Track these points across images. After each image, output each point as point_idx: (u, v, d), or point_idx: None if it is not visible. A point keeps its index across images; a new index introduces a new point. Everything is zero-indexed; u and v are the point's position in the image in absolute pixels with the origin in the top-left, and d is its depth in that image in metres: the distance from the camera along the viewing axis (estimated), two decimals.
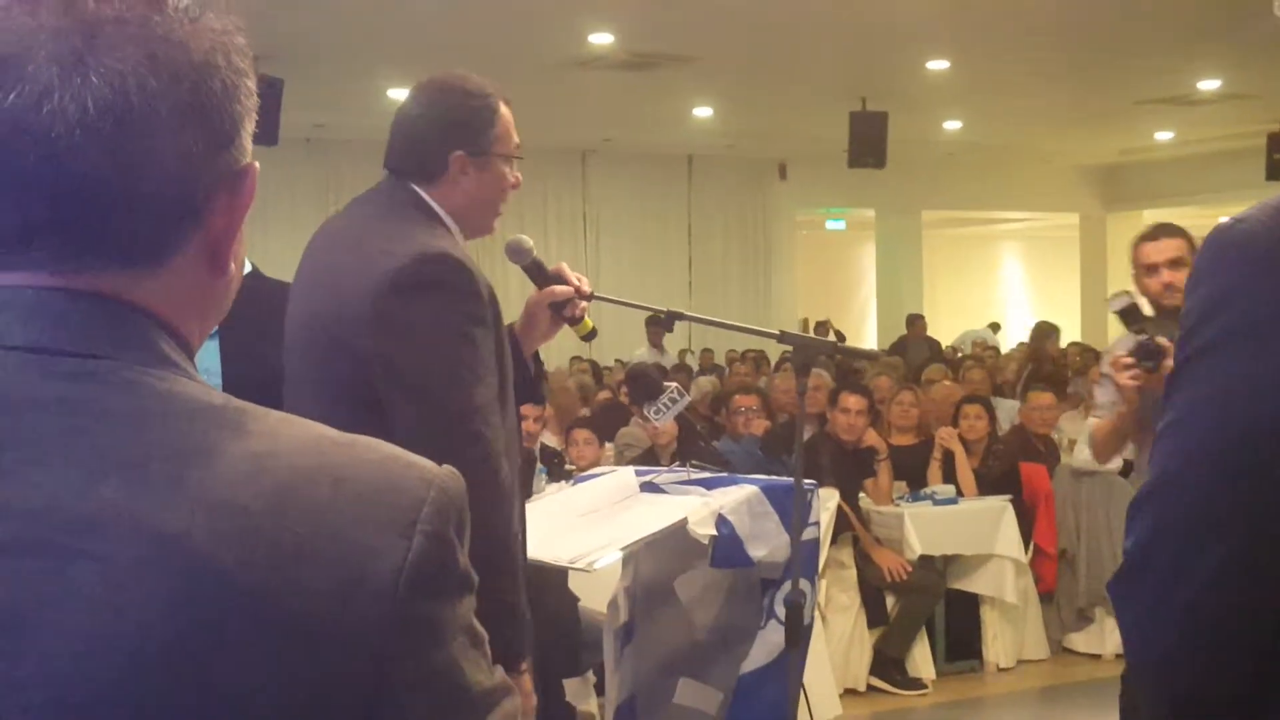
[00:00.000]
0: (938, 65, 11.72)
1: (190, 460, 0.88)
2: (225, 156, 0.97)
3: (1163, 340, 4.13)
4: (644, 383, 3.29)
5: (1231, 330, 1.26)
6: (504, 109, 2.67)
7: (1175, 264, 4.31)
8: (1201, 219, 20.53)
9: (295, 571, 0.87)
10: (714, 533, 3.21)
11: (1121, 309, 4.22)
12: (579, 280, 2.83)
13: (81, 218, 0.92)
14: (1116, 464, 7.14)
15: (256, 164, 1.00)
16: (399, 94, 12.65)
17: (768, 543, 3.25)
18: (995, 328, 19.93)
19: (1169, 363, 4.18)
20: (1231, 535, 1.25)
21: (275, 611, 0.86)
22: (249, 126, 1.00)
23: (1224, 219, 1.32)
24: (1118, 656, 6.24)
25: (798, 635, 3.05)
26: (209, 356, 3.01)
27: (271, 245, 14.06)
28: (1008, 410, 8.74)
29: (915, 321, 16.46)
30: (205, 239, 0.97)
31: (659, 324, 12.41)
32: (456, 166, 2.58)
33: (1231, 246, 1.28)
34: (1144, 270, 4.39)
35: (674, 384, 3.24)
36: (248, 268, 3.09)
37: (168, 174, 0.93)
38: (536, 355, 2.94)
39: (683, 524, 3.17)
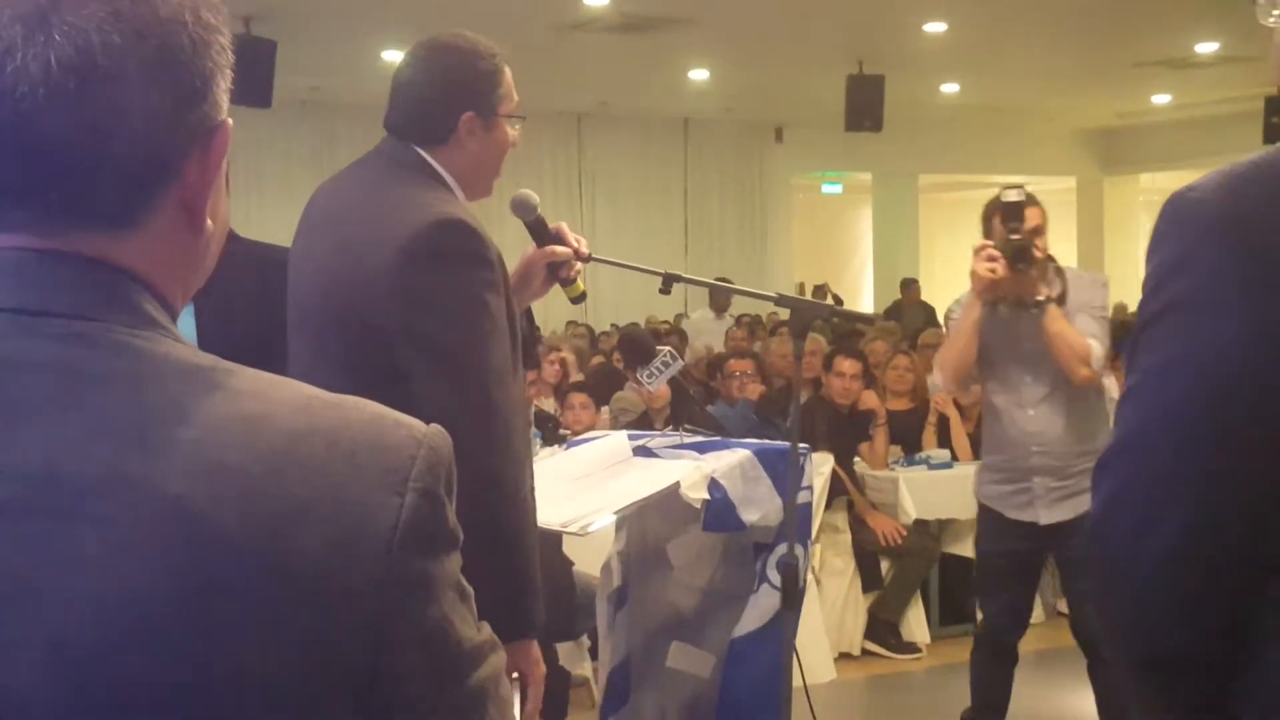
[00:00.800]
0: (935, 27, 11.66)
1: (185, 422, 0.89)
2: (196, 113, 0.96)
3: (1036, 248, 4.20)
4: (637, 347, 3.28)
5: (1186, 295, 1.29)
6: (506, 69, 2.65)
7: (1037, 232, 4.40)
8: None
9: (294, 532, 0.88)
10: (706, 496, 3.21)
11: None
12: (578, 241, 2.82)
13: (53, 178, 0.91)
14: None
15: (229, 120, 0.99)
16: (394, 56, 12.60)
17: (760, 507, 3.24)
18: None
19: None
20: (1192, 497, 1.27)
21: (275, 571, 0.87)
22: (222, 83, 0.99)
23: (1178, 189, 1.35)
24: None
25: (793, 599, 3.05)
26: (184, 324, 2.98)
27: (267, 208, 14.04)
28: None
29: (910, 286, 16.45)
30: (181, 197, 0.97)
31: (720, 293, 12.35)
32: (465, 128, 2.55)
33: (1184, 214, 1.31)
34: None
35: (667, 348, 3.23)
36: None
37: (136, 133, 0.92)
38: (531, 317, 2.92)
39: (675, 488, 3.17)
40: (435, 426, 0.97)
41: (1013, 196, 4.28)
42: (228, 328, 2.80)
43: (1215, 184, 1.31)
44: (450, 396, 2.32)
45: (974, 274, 4.30)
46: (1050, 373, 4.37)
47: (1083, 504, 4.41)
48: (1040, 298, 4.30)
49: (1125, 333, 10.61)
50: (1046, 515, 4.46)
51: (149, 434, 0.88)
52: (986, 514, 4.66)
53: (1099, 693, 4.57)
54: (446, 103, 2.55)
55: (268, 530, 0.88)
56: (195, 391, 0.91)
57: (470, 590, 0.99)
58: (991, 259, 4.23)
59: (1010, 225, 4.25)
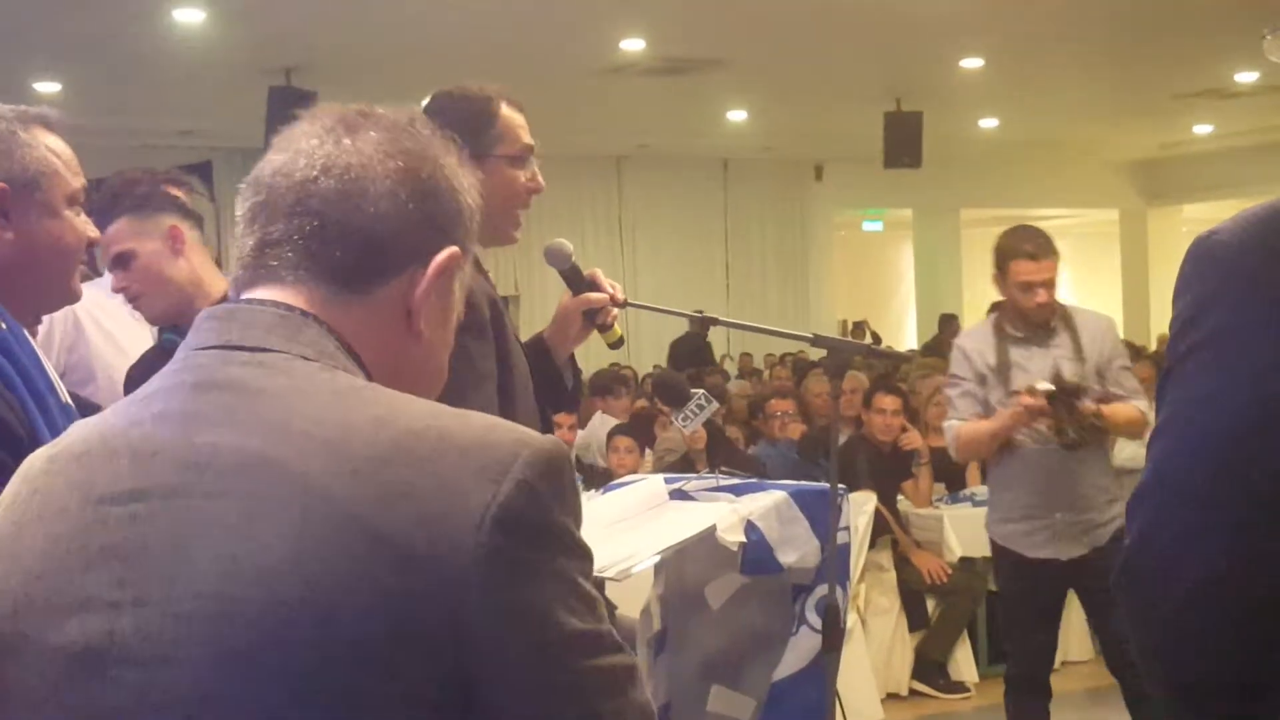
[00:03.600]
0: (972, 63, 11.66)
1: (324, 423, 1.08)
2: (433, 234, 1.21)
3: (1082, 384, 4.19)
4: (671, 390, 3.28)
5: (1213, 335, 1.32)
6: (506, 110, 2.66)
7: (1049, 285, 4.45)
8: None
9: (397, 506, 1.04)
10: (743, 539, 3.20)
11: None
12: (613, 287, 2.83)
13: (307, 236, 1.17)
14: None
15: (458, 250, 1.22)
16: None
17: (797, 548, 3.23)
18: None
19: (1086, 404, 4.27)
20: (1224, 530, 1.30)
21: (376, 539, 1.03)
22: (460, 234, 1.23)
23: (1200, 233, 1.39)
24: None
25: (834, 640, 3.04)
26: None
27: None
28: None
29: (949, 322, 16.34)
30: (404, 295, 1.20)
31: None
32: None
33: (1207, 257, 1.36)
34: (1019, 287, 4.44)
35: (701, 391, 3.23)
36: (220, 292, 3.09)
37: (380, 215, 1.18)
38: (574, 362, 2.94)
39: (712, 531, 3.16)
40: (553, 439, 1.11)
41: (1049, 387, 4.29)
42: None
43: (1237, 226, 1.36)
44: None
45: (1013, 415, 4.30)
46: None
47: (1100, 537, 4.40)
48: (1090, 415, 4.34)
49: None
50: (1067, 551, 4.43)
51: (292, 428, 1.08)
52: (1004, 554, 4.61)
53: None
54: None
55: (375, 503, 1.04)
56: (340, 402, 1.11)
57: (598, 598, 1.10)
58: (1041, 411, 4.27)
59: (1063, 410, 4.28)
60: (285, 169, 1.20)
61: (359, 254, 1.18)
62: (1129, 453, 7.30)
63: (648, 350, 14.56)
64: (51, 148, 2.01)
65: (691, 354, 13.11)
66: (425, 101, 2.69)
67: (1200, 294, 1.35)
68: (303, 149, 1.21)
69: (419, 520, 1.04)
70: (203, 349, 1.16)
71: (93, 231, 2.10)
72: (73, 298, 2.11)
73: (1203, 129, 16.49)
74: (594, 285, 2.82)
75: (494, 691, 1.05)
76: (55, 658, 1.08)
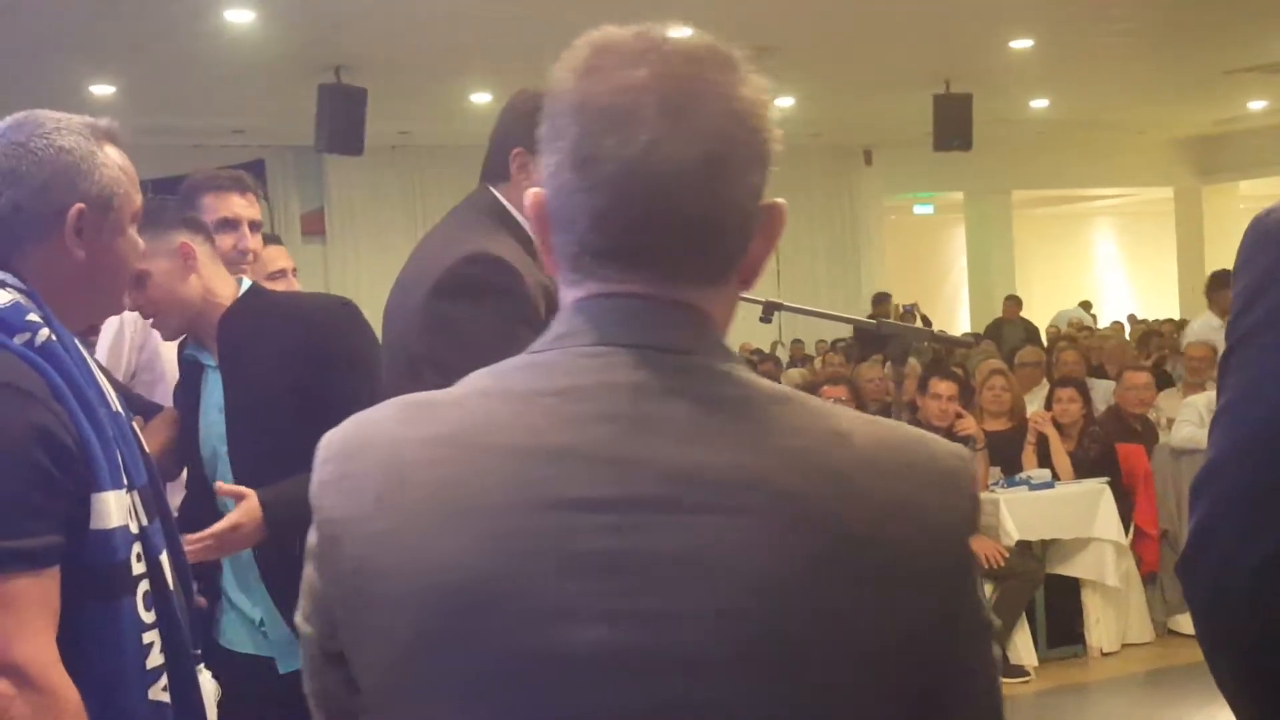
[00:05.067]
0: (1021, 44, 11.58)
1: (792, 434, 1.11)
2: (763, 193, 1.17)
3: None
4: None
5: (1273, 314, 1.31)
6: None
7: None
8: None
9: (890, 523, 1.09)
10: None
11: None
12: None
13: (680, 245, 1.14)
14: None
15: (782, 200, 1.20)
16: (481, 99, 12.78)
17: None
18: (1086, 306, 19.65)
19: None
20: None
21: (881, 551, 1.08)
22: (768, 178, 1.19)
23: (1258, 213, 1.38)
24: None
25: None
26: (220, 390, 2.99)
27: (362, 253, 14.28)
28: (1104, 391, 8.63)
29: (1010, 303, 16.24)
30: (747, 262, 1.18)
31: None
32: (516, 164, 2.61)
33: (1266, 235, 1.34)
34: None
35: (807, 398, 3.24)
36: (246, 285, 3.13)
37: (742, 209, 1.15)
38: None
39: None
40: (961, 447, 1.18)
41: None
42: (240, 385, 2.89)
43: None
44: None
45: None
46: None
47: None
48: None
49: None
50: None
51: (764, 442, 1.10)
52: None
53: None
54: (502, 141, 2.64)
55: (870, 522, 1.08)
56: (789, 412, 1.12)
57: None
58: None
59: None
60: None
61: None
62: (1186, 433, 7.25)
63: None
64: (122, 166, 2.04)
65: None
66: (511, 98, 2.72)
67: (1260, 274, 1.34)
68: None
69: (917, 533, 1.09)
70: (620, 346, 1.13)
71: (144, 246, 2.15)
72: (117, 311, 2.15)
73: (1257, 104, 16.29)
74: None
75: (955, 697, 1.12)
76: (522, 663, 1.07)
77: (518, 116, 2.63)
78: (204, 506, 2.94)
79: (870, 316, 16.17)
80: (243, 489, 2.77)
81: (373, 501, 1.13)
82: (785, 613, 1.05)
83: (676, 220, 1.12)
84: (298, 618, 1.21)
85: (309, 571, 1.18)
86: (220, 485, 2.83)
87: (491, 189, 2.64)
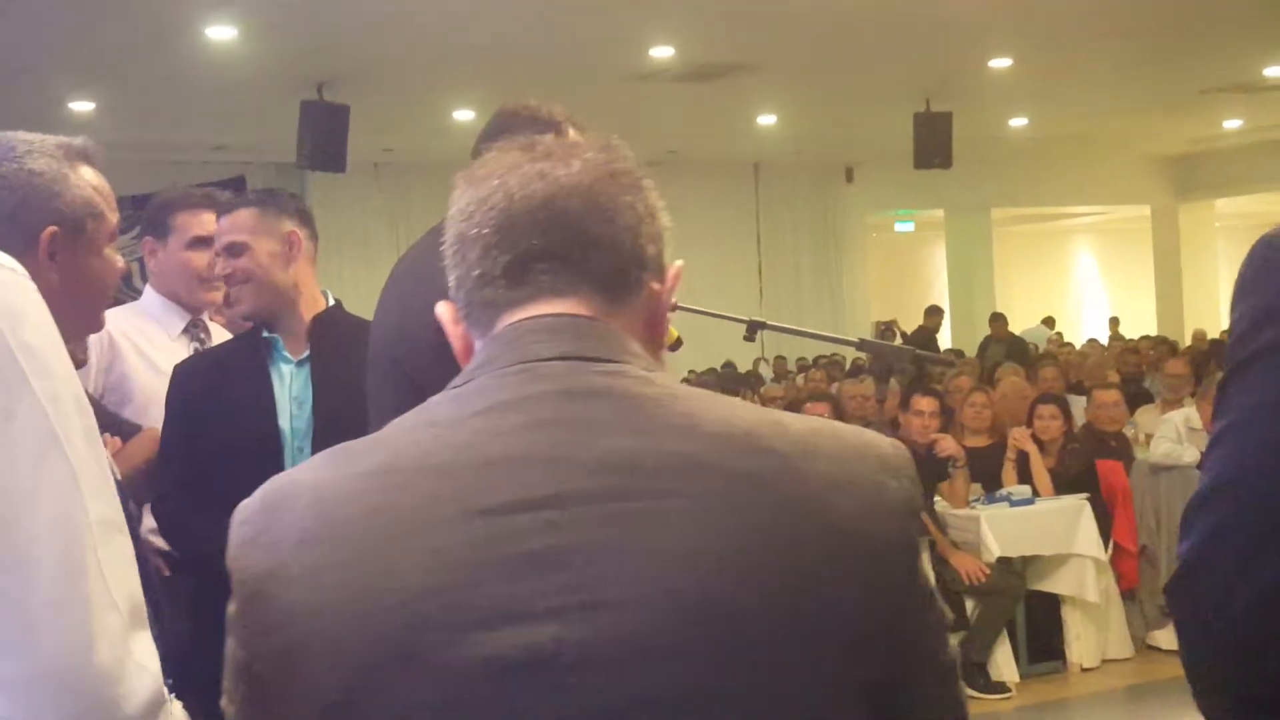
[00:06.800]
0: (1000, 63, 11.66)
1: (728, 421, 1.14)
2: (654, 248, 1.26)
3: None
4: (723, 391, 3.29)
5: (1278, 339, 1.28)
6: (573, 133, 2.70)
7: None
8: (1274, 206, 20.22)
9: (830, 501, 1.11)
10: None
11: None
12: None
13: (571, 251, 1.20)
14: (1194, 457, 7.08)
15: (681, 263, 1.30)
16: (464, 115, 12.77)
17: None
18: (1049, 322, 19.73)
19: None
20: None
21: (827, 527, 1.10)
22: (664, 251, 1.28)
23: (1266, 232, 1.35)
24: None
25: None
26: (299, 385, 3.07)
27: (345, 270, 14.24)
28: (1082, 407, 8.68)
29: (996, 320, 16.30)
30: (644, 305, 1.24)
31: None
32: None
33: (1273, 259, 1.32)
34: None
35: (736, 399, 3.26)
36: (330, 301, 3.15)
37: (626, 224, 1.22)
38: None
39: None
40: (896, 441, 1.20)
41: None
42: (338, 389, 2.91)
43: None
44: None
45: None
46: None
47: None
48: None
49: (1203, 359, 10.49)
50: None
51: (696, 430, 1.12)
52: None
53: None
54: None
55: (816, 495, 1.10)
56: (719, 403, 1.17)
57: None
58: None
59: None
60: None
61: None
62: (1164, 449, 7.29)
63: (689, 356, 14.57)
64: (96, 187, 2.01)
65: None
66: (491, 118, 2.71)
67: (1265, 296, 1.31)
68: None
69: (858, 509, 1.11)
70: (540, 360, 1.16)
71: (122, 264, 2.13)
72: (97, 329, 2.12)
73: (1233, 123, 16.42)
74: None
75: (910, 676, 1.13)
76: (475, 672, 1.05)
77: (488, 135, 2.62)
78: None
79: (921, 327, 16.28)
80: None
81: (295, 545, 1.12)
82: (733, 591, 1.06)
83: (566, 232, 1.20)
84: (223, 702, 1.18)
85: (230, 646, 1.16)
86: None
87: None
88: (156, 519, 3.10)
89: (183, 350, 3.49)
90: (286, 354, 3.08)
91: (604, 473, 1.09)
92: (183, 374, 3.17)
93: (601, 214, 1.21)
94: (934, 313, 16.81)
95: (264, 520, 1.15)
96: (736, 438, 1.12)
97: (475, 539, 1.08)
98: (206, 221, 3.46)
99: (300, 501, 1.14)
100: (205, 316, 3.61)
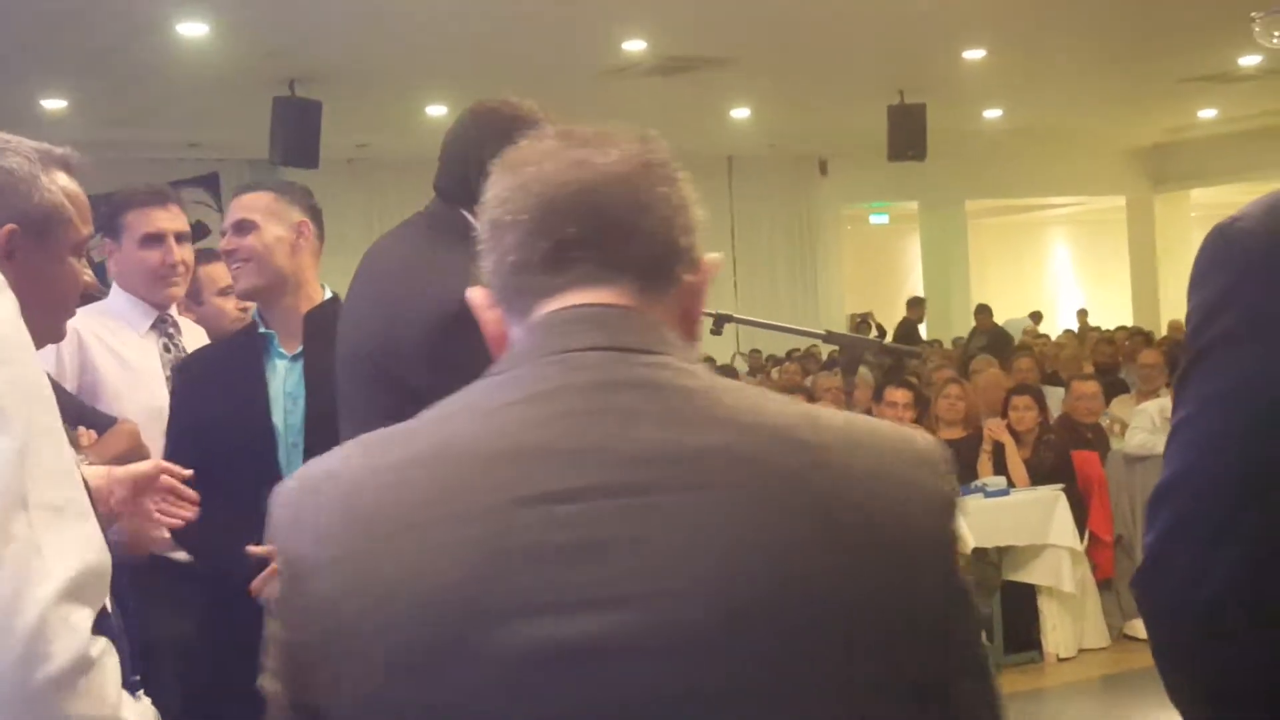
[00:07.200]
0: (974, 54, 11.67)
1: (763, 413, 1.13)
2: (688, 240, 1.24)
3: None
4: None
5: (1235, 328, 1.28)
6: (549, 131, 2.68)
7: None
8: (1249, 196, 20.29)
9: (871, 494, 1.11)
10: None
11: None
12: None
13: (610, 240, 1.19)
14: None
15: (719, 255, 1.29)
16: (438, 111, 12.72)
17: None
18: (1037, 317, 19.75)
19: None
20: (1246, 530, 1.26)
21: (863, 523, 1.09)
22: (698, 242, 1.26)
23: (1222, 220, 1.33)
24: None
25: None
26: (294, 381, 3.07)
27: (320, 265, 14.19)
28: (1058, 398, 8.70)
29: (981, 312, 16.32)
30: (679, 297, 1.23)
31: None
32: None
33: (1230, 245, 1.31)
34: None
35: (773, 393, 3.25)
36: (328, 294, 3.15)
37: (662, 215, 1.21)
38: None
39: None
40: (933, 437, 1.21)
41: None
42: (328, 383, 2.90)
43: (1259, 211, 1.31)
44: None
45: None
46: None
47: None
48: None
49: (1177, 350, 10.53)
50: None
51: (735, 423, 1.12)
52: None
53: None
54: (479, 161, 2.59)
55: (854, 490, 1.10)
56: (758, 397, 1.16)
57: None
58: None
59: None
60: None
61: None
62: (1139, 440, 7.32)
63: None
64: (69, 193, 1.99)
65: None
66: (468, 115, 2.68)
67: (1223, 284, 1.31)
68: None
69: (897, 505, 1.11)
70: (581, 350, 1.16)
71: (89, 279, 2.10)
72: (57, 338, 2.10)
73: (1207, 114, 16.48)
74: None
75: (947, 669, 1.13)
76: (512, 662, 1.05)
77: (495, 136, 2.60)
78: (271, 489, 2.95)
79: (905, 319, 16.17)
80: None
81: (341, 531, 1.12)
82: (771, 585, 1.06)
83: (604, 221, 1.19)
84: (264, 679, 1.18)
85: (272, 626, 1.16)
86: None
87: (464, 212, 2.56)
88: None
89: (152, 346, 3.49)
90: (281, 350, 3.10)
91: (643, 464, 1.09)
92: (183, 371, 3.21)
93: (639, 204, 1.20)
94: (916, 304, 16.85)
95: (303, 505, 1.16)
96: (775, 431, 1.12)
97: (513, 529, 1.08)
98: (156, 218, 3.46)
99: (338, 488, 1.14)
100: (173, 311, 3.60)
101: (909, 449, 1.15)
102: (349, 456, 1.18)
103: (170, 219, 3.50)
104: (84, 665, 1.47)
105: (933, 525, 1.13)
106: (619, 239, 1.19)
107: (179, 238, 3.52)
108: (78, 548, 1.50)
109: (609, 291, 1.19)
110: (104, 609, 1.96)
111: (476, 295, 1.28)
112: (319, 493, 1.16)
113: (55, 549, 1.46)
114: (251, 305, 4.14)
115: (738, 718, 1.05)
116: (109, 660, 1.54)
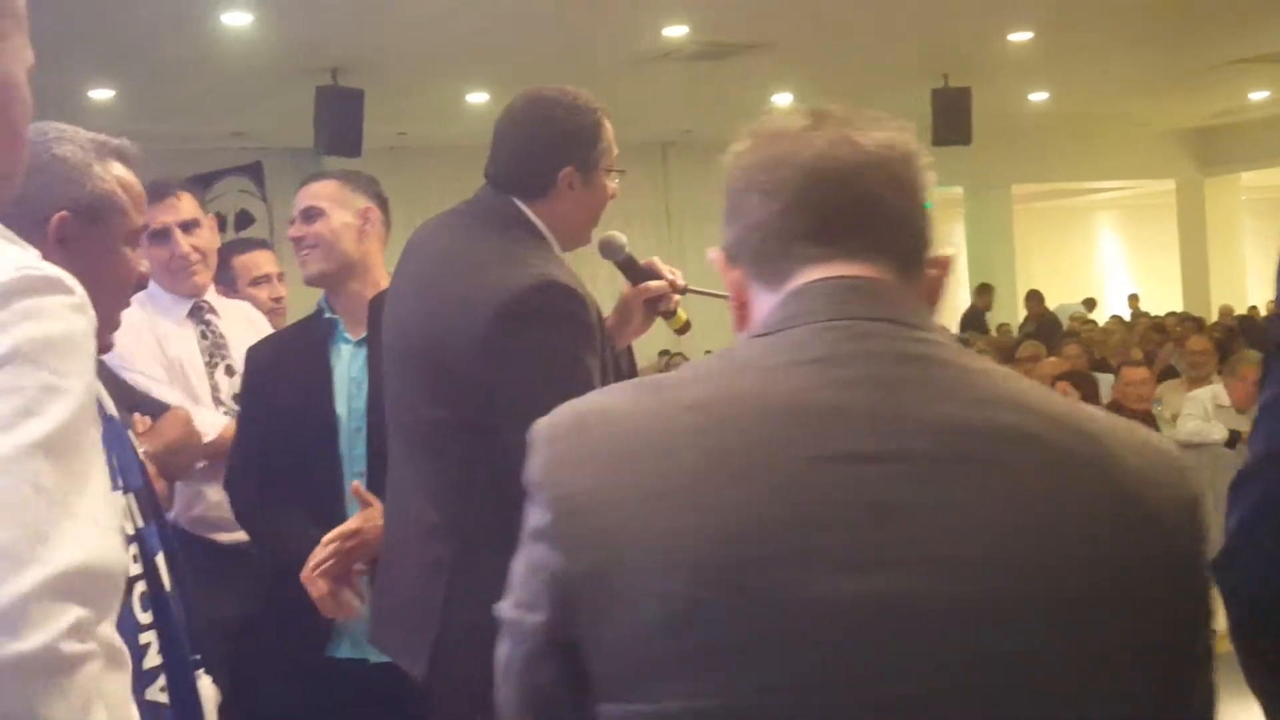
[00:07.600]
0: (1020, 36, 11.55)
1: (1041, 399, 1.18)
2: (932, 233, 1.29)
3: None
4: None
5: None
6: (607, 123, 2.67)
7: None
8: None
9: (1139, 486, 1.15)
10: None
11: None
12: (672, 274, 2.83)
13: (874, 220, 1.24)
14: (1222, 434, 7.01)
15: (954, 251, 1.29)
16: (478, 98, 12.71)
17: None
18: (1090, 304, 19.56)
19: None
20: None
21: (1139, 515, 1.14)
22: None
23: None
24: None
25: None
26: (358, 366, 3.08)
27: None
28: (1107, 385, 8.61)
29: (1032, 298, 16.23)
30: (927, 284, 1.28)
31: None
32: (565, 182, 2.57)
33: None
34: None
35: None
36: (385, 284, 3.15)
37: (918, 203, 1.27)
38: (630, 352, 2.94)
39: None
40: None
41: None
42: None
43: None
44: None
45: None
46: None
47: None
48: None
49: (1230, 335, 10.39)
50: None
51: (1020, 402, 1.16)
52: None
53: None
54: (547, 157, 2.57)
55: (1128, 482, 1.15)
56: (1019, 381, 1.21)
57: None
58: None
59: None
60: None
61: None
62: (1191, 427, 7.23)
63: (700, 338, 14.54)
64: (123, 182, 2.01)
65: None
66: (524, 103, 2.65)
67: None
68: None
69: (1163, 502, 1.15)
70: (860, 319, 1.20)
71: (145, 268, 2.11)
72: (113, 327, 2.10)
73: (1258, 95, 16.25)
74: (651, 274, 2.81)
75: (1188, 647, 1.17)
76: (812, 612, 1.08)
77: (565, 134, 2.58)
78: (333, 474, 3.01)
79: (972, 306, 16.18)
80: (373, 497, 2.82)
81: (618, 466, 1.14)
82: (1057, 560, 1.10)
83: (872, 201, 1.24)
84: (508, 608, 1.19)
85: (539, 553, 1.16)
86: (356, 487, 2.89)
87: (518, 202, 2.57)
88: (230, 498, 3.19)
89: (190, 333, 3.52)
90: (347, 335, 3.12)
91: (944, 434, 1.13)
92: (252, 356, 3.26)
93: (901, 189, 1.25)
94: (984, 291, 16.71)
95: (577, 441, 1.18)
96: (1055, 417, 1.17)
97: (817, 482, 1.11)
98: (157, 215, 3.45)
99: (619, 428, 1.17)
100: (209, 296, 3.61)
101: (1166, 451, 1.20)
102: (625, 395, 1.21)
103: (171, 212, 3.49)
104: (53, 658, 1.43)
105: (1191, 523, 1.17)
106: (883, 220, 1.24)
107: (185, 227, 3.50)
108: (86, 543, 1.48)
109: (875, 268, 1.23)
110: (163, 591, 1.96)
111: (715, 255, 1.32)
112: (588, 431, 1.18)
113: (68, 535, 1.45)
114: (284, 296, 4.14)
115: (1027, 678, 1.09)
116: (90, 667, 1.47)
